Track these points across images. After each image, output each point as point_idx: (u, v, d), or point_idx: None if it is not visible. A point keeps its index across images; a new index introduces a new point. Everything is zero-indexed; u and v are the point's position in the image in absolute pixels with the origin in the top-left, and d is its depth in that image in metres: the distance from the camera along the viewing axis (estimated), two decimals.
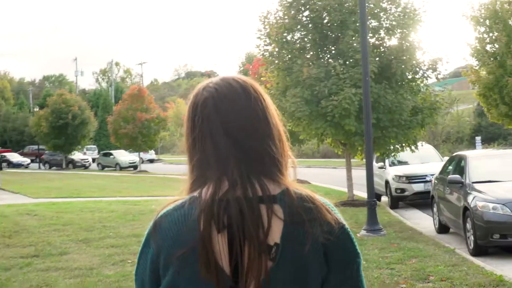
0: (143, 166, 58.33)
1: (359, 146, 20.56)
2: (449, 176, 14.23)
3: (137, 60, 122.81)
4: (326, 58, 20.72)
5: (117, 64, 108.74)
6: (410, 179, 21.39)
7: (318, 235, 1.81)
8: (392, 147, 20.42)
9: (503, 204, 12.27)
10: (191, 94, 2.00)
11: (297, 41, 20.91)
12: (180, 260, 1.81)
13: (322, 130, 19.41)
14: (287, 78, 20.35)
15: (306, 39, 20.79)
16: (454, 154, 16.56)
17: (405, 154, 21.92)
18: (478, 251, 12.57)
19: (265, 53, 20.96)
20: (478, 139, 41.02)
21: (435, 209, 16.13)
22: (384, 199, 23.82)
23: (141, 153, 58.17)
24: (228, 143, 1.86)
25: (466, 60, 33.92)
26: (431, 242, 13.54)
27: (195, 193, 1.87)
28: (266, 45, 20.98)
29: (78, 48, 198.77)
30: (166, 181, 38.95)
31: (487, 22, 32.77)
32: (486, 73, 32.67)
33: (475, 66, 33.56)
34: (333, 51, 20.62)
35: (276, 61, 20.74)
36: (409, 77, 20.54)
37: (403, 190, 21.45)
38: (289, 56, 20.52)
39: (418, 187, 21.24)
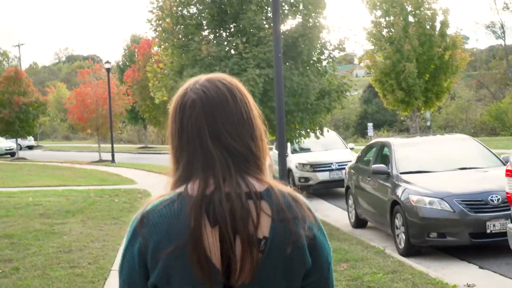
0: (22, 153, 54.53)
1: None
2: (373, 166, 12.49)
3: (14, 43, 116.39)
4: (225, 36, 18.65)
5: None
6: (315, 167, 19.73)
7: (301, 234, 1.87)
8: (297, 133, 18.59)
9: (441, 198, 10.62)
10: (176, 94, 2.02)
11: (194, 16, 18.72)
12: (172, 255, 1.81)
13: None
14: (183, 57, 18.18)
15: (203, 14, 18.66)
16: (373, 141, 14.87)
17: (307, 141, 20.12)
18: (411, 251, 10.92)
19: (158, 29, 18.66)
20: (370, 125, 40.15)
21: (350, 202, 14.43)
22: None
23: (19, 139, 54.41)
24: (215, 145, 1.89)
25: (362, 45, 32.81)
26: (355, 241, 11.79)
27: (181, 189, 1.89)
28: (159, 20, 18.68)
29: None
30: (45, 169, 35.97)
31: (384, 6, 31.71)
32: (382, 58, 31.63)
33: (371, 51, 32.49)
34: (233, 29, 18.58)
35: (171, 38, 18.49)
36: (314, 58, 18.78)
37: (307, 179, 19.76)
38: (185, 32, 18.32)
39: (323, 175, 19.62)
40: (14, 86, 47.15)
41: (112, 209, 16.99)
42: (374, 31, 31.86)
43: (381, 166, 12.26)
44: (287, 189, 1.95)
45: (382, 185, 12.20)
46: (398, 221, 11.26)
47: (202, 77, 2.01)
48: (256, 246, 1.81)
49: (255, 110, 2.00)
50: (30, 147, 69.11)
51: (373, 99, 63.18)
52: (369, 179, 13.00)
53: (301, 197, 1.96)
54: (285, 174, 13.17)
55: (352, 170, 14.53)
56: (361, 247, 11.12)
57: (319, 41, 18.09)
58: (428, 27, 31.23)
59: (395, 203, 11.40)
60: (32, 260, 10.77)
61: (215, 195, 1.84)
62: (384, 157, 13.05)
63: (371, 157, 13.75)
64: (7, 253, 11.44)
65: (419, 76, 30.61)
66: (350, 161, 19.64)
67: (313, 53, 18.38)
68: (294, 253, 1.85)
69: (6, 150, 55.21)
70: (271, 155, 2.16)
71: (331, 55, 18.83)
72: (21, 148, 60.03)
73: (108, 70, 39.23)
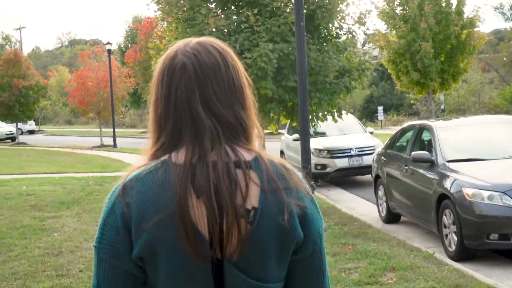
0: (22, 138, 52.70)
1: (275, 115, 16.72)
2: (413, 153, 10.44)
3: (16, 27, 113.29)
4: (233, 9, 16.59)
5: None
6: (333, 153, 17.73)
7: (292, 204, 1.76)
8: (314, 116, 16.59)
9: (503, 192, 8.64)
10: (164, 56, 1.86)
11: None
12: (158, 225, 1.69)
13: None
14: (188, 32, 16.18)
15: None
16: (408, 124, 12.78)
17: (322, 124, 18.04)
18: (464, 254, 8.96)
19: (160, 1, 16.62)
20: (380, 109, 38.26)
21: (381, 193, 12.46)
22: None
23: (20, 124, 52.44)
24: (205, 113, 1.77)
25: (374, 24, 30.82)
26: (395, 242, 9.78)
27: (165, 158, 1.77)
28: None
29: None
30: (45, 154, 34.09)
31: None
32: (396, 37, 29.59)
33: (384, 30, 30.45)
34: (241, 2, 16.51)
35: (175, 11, 16.48)
36: (332, 32, 16.77)
37: (324, 166, 17.77)
38: (190, 4, 16.28)
39: (341, 162, 17.64)
40: (14, 69, 45.24)
41: None
42: (387, 9, 29.76)
43: (423, 153, 10.25)
44: (278, 158, 1.84)
45: (424, 176, 10.21)
46: (447, 219, 9.29)
47: (193, 40, 1.87)
48: (244, 217, 1.70)
49: (245, 79, 1.88)
50: (31, 132, 66.95)
51: (379, 82, 61.17)
52: (406, 167, 11.01)
53: (292, 167, 1.84)
54: (309, 161, 11.22)
55: (383, 157, 12.51)
56: (404, 250, 9.14)
57: (338, 14, 16.08)
58: (443, 4, 29.22)
59: (443, 196, 9.41)
60: (13, 266, 8.89)
61: (198, 164, 1.72)
62: (423, 142, 11.09)
63: (406, 142, 11.78)
64: None
65: (435, 57, 28.61)
66: (371, 147, 17.78)
67: (331, 27, 16.41)
68: (285, 224, 1.73)
69: (7, 134, 53.13)
70: (262, 131, 1.91)
71: (351, 30, 16.80)
72: (22, 133, 58.25)
73: (109, 51, 36.99)
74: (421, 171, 10.32)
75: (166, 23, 17.20)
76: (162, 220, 1.67)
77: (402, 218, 11.99)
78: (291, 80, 15.46)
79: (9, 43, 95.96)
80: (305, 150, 11.02)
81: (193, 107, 1.76)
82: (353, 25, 16.76)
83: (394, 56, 29.48)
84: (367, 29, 17.20)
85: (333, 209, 13.13)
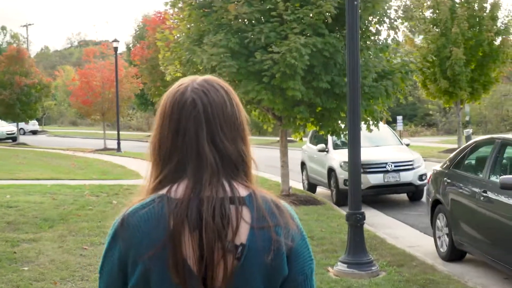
0: (24, 138, 50.18)
1: (301, 120, 14.11)
2: (502, 177, 7.66)
3: (23, 23, 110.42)
4: None
5: (3, 28, 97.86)
6: (365, 167, 14.93)
7: (281, 241, 1.74)
8: (345, 123, 13.94)
9: None
10: (170, 91, 1.85)
11: None
12: (151, 258, 1.70)
13: (254, 94, 12.76)
14: (203, 20, 13.61)
15: None
16: (482, 138, 10.07)
17: None
18: None
19: None
20: (399, 118, 35.38)
21: (440, 223, 9.73)
22: (320, 190, 17.50)
23: (23, 124, 49.85)
24: (209, 148, 1.77)
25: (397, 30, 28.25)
26: None
27: (163, 191, 1.77)
28: None
29: None
30: (43, 156, 31.50)
31: None
32: (424, 42, 27.01)
33: (411, 34, 27.86)
34: None
35: None
36: (371, 28, 14.18)
37: None
38: None
39: (375, 178, 14.97)
40: (16, 66, 42.70)
41: (106, 217, 12.28)
42: (415, 13, 27.08)
43: None
44: (271, 195, 1.83)
45: None
46: None
47: (198, 78, 1.87)
48: (231, 252, 1.69)
49: (243, 111, 1.87)
50: (34, 132, 64.30)
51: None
52: (484, 194, 8.32)
53: (284, 204, 1.83)
54: (358, 176, 8.58)
55: (446, 179, 9.75)
56: None
57: (383, 6, 13.49)
58: (476, 8, 26.67)
59: None
60: None
61: (194, 199, 1.72)
62: (507, 162, 8.45)
63: (478, 161, 9.14)
64: None
65: (466, 64, 26.02)
66: (410, 161, 15.19)
67: (372, 20, 13.84)
68: (273, 261, 1.72)
69: (8, 134, 50.40)
70: (253, 157, 1.86)
71: (393, 26, 14.21)
72: (24, 133, 55.79)
73: (115, 49, 34.31)
74: (510, 200, 7.65)
75: (177, 9, 14.60)
76: (155, 254, 1.68)
77: (468, 256, 9.34)
78: (323, 81, 12.92)
79: (17, 41, 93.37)
80: (354, 165, 8.40)
81: (200, 142, 1.76)
82: (395, 20, 14.21)
83: (422, 62, 26.88)
84: (415, 25, 14.66)
85: (377, 240, 10.42)
